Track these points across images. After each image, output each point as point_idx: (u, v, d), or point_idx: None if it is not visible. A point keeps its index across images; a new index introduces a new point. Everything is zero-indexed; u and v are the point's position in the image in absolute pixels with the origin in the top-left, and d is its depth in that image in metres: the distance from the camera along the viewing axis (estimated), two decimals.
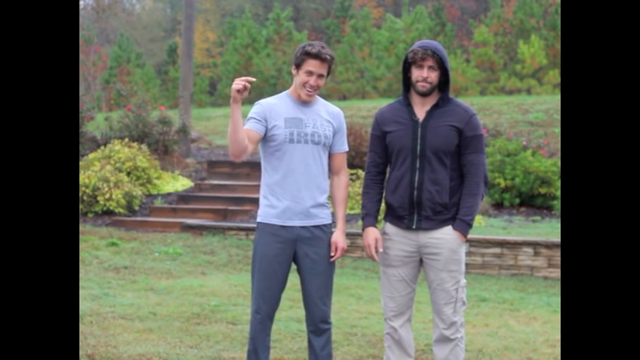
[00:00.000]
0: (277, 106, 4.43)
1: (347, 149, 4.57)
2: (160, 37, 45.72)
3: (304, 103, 4.45)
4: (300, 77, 4.38)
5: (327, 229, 4.50)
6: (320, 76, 4.36)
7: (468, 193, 4.40)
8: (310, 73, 4.35)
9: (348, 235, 10.84)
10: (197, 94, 31.94)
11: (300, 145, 4.39)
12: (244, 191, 13.40)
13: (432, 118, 4.39)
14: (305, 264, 4.45)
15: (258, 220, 4.48)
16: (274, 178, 4.43)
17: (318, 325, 4.49)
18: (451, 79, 4.50)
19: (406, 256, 4.46)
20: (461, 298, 4.45)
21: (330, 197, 4.58)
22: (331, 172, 4.57)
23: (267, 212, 4.44)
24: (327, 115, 4.49)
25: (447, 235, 4.40)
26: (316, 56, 4.33)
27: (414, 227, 4.41)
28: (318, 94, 4.52)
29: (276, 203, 4.42)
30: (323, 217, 4.47)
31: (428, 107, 4.42)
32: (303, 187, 4.40)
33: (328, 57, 4.34)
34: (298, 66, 4.38)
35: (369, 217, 4.53)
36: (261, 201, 4.49)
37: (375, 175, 4.54)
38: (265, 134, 4.40)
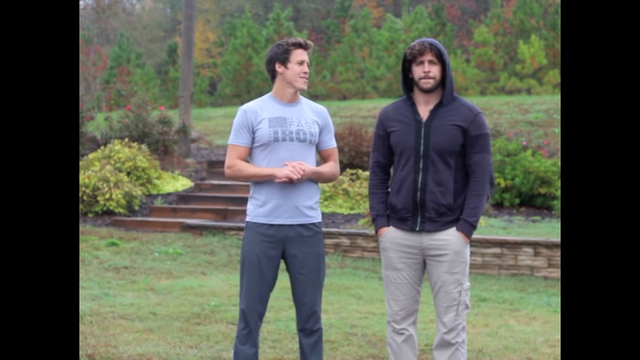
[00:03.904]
0: (260, 109, 4.46)
1: (335, 145, 4.61)
2: (160, 37, 45.71)
3: (288, 103, 4.48)
4: (292, 70, 4.42)
5: (315, 228, 4.49)
6: (308, 64, 4.48)
7: (472, 194, 4.32)
8: (302, 62, 4.43)
9: (348, 235, 10.82)
10: (197, 94, 31.93)
11: (286, 144, 4.41)
12: (244, 191, 13.39)
13: (435, 118, 4.31)
14: (293, 263, 4.45)
15: (247, 219, 4.49)
16: None
17: (305, 325, 4.49)
18: (453, 77, 4.40)
19: (409, 258, 4.40)
20: (464, 302, 4.36)
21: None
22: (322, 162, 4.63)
23: (256, 211, 4.45)
24: (313, 114, 4.51)
25: (450, 236, 4.32)
26: (301, 45, 4.44)
27: (417, 229, 4.35)
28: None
29: (264, 202, 4.43)
30: (312, 215, 4.47)
31: (431, 106, 4.34)
32: (292, 184, 4.39)
33: (310, 43, 4.48)
34: (286, 60, 4.43)
35: (380, 218, 4.46)
36: (250, 200, 4.51)
37: (380, 175, 4.47)
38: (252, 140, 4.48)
